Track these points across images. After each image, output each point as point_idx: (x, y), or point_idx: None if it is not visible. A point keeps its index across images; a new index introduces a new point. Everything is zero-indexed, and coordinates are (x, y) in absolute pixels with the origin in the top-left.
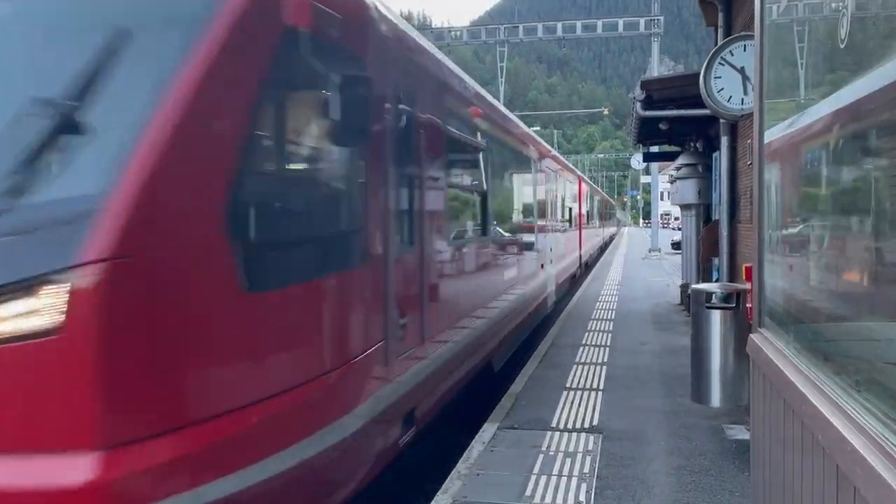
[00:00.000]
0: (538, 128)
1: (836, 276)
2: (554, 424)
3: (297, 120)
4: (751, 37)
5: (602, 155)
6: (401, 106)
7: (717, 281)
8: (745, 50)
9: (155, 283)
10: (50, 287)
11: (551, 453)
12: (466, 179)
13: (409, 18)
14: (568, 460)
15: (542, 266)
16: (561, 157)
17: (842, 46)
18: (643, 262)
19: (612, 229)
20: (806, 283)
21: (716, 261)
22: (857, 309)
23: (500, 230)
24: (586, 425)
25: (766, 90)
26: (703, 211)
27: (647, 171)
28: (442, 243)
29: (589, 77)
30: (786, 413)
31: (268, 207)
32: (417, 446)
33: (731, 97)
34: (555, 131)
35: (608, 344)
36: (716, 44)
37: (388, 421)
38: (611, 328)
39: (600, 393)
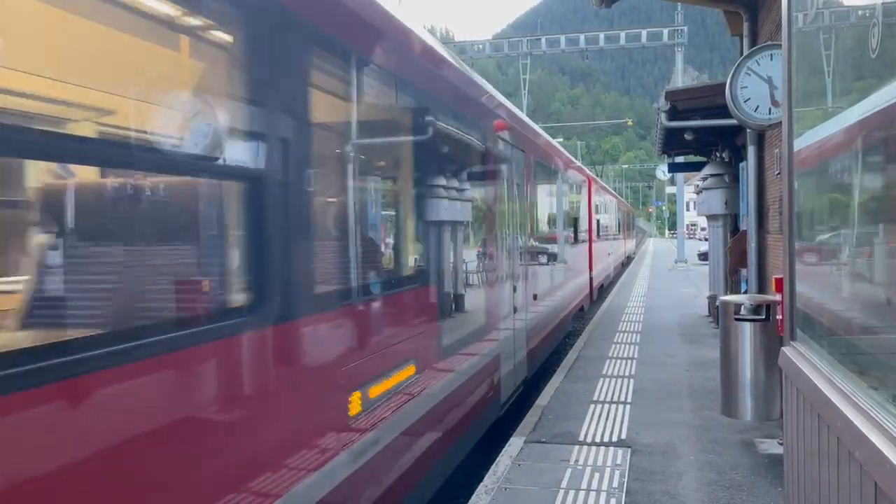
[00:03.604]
0: (561, 139)
1: (872, 287)
2: (582, 438)
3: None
4: (777, 46)
5: (626, 166)
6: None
7: (745, 292)
8: (771, 59)
9: None
10: None
11: (579, 467)
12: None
13: (432, 32)
14: (596, 475)
15: None
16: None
17: (873, 56)
18: (669, 272)
19: (629, 244)
20: (840, 295)
21: (744, 272)
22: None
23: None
24: (614, 439)
25: (794, 99)
26: (730, 221)
27: (672, 182)
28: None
29: (612, 88)
30: (820, 428)
31: None
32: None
33: (758, 107)
34: (578, 143)
35: (635, 356)
36: (741, 53)
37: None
38: (637, 340)
39: (628, 406)
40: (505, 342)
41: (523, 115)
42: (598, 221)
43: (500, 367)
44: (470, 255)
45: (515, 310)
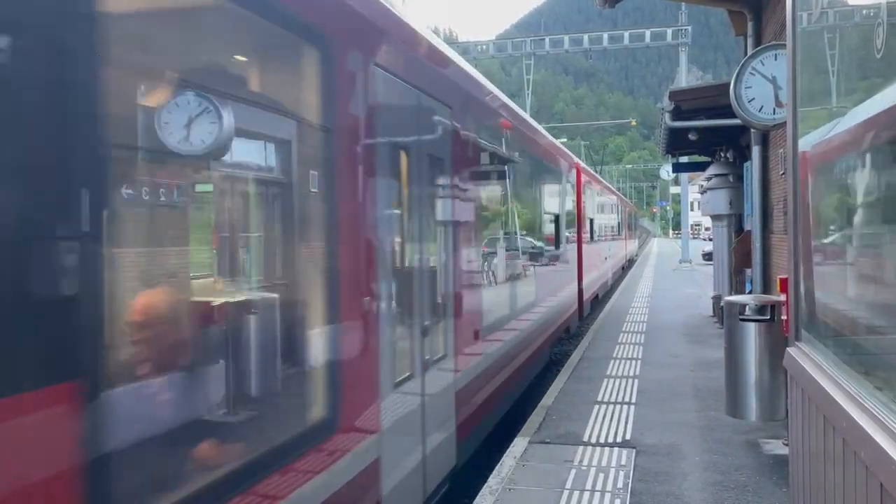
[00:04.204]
0: (565, 139)
1: (877, 287)
2: (586, 439)
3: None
4: (782, 46)
5: (630, 166)
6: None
7: (750, 292)
8: (776, 59)
9: None
10: None
11: (584, 468)
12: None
13: (436, 32)
14: (601, 475)
15: None
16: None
17: (878, 56)
18: (674, 273)
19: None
20: (845, 296)
21: (748, 272)
22: None
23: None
24: (619, 440)
25: (799, 99)
26: (734, 221)
27: (676, 182)
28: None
29: (616, 88)
30: (826, 429)
31: None
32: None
33: (762, 107)
34: (582, 143)
35: (639, 357)
36: (745, 53)
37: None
38: (642, 341)
39: (632, 407)
40: (398, 429)
41: (452, 54)
42: (590, 220)
43: (380, 481)
44: (312, 277)
45: (427, 366)
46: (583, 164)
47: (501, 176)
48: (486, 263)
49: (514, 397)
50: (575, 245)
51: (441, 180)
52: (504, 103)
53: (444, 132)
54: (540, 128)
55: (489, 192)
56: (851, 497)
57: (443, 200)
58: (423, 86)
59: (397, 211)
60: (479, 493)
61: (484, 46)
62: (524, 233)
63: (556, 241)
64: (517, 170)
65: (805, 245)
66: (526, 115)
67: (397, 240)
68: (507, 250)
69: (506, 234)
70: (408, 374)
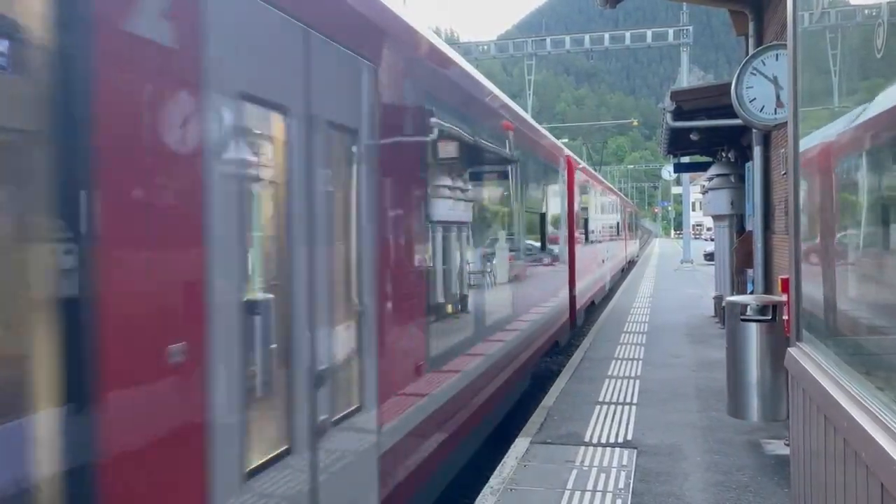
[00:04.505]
0: (566, 139)
1: (878, 288)
2: (587, 439)
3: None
4: (783, 46)
5: (632, 166)
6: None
7: (751, 292)
8: (777, 59)
9: None
10: None
11: (585, 468)
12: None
13: (437, 33)
14: (602, 475)
15: None
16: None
17: (878, 56)
18: (675, 273)
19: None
20: (846, 296)
21: (750, 272)
22: None
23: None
24: (620, 440)
25: (800, 99)
26: (736, 221)
27: (678, 182)
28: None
29: (617, 88)
30: (827, 429)
31: None
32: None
33: (763, 107)
34: (583, 145)
35: (641, 357)
36: (746, 53)
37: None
38: (643, 341)
39: (634, 407)
40: None
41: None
42: (585, 220)
43: None
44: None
45: (324, 429)
46: (576, 159)
47: (464, 161)
48: (435, 272)
49: (484, 434)
50: (566, 247)
51: (355, 156)
52: (465, 72)
53: (359, 94)
54: (522, 112)
55: (441, 177)
56: (852, 497)
57: (356, 182)
58: (323, 27)
59: (267, 195)
60: (481, 494)
61: (485, 47)
62: (496, 233)
63: (542, 242)
64: (486, 157)
65: (825, 244)
66: (500, 93)
67: (270, 242)
68: (471, 255)
69: (471, 234)
70: (283, 448)
